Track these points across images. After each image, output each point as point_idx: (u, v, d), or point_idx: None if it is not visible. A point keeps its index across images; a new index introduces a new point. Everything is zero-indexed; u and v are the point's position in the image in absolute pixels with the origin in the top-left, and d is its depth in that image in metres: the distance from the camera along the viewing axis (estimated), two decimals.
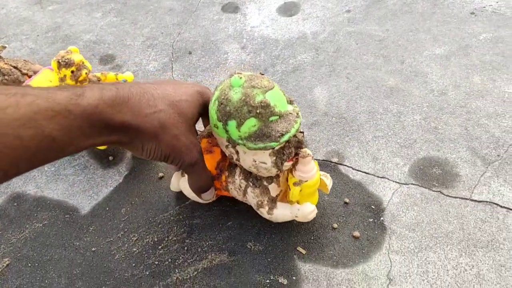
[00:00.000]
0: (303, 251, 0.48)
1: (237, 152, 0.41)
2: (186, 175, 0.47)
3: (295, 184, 0.43)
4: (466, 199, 0.51)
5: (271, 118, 0.38)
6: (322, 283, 0.45)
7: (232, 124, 0.38)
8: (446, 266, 0.45)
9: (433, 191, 0.52)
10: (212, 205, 0.54)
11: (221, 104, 0.38)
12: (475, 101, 0.63)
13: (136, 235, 0.52)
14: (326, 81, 0.71)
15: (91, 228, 0.53)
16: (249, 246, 0.49)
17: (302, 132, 0.42)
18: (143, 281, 0.47)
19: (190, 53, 0.82)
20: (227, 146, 0.42)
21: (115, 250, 0.50)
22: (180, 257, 0.49)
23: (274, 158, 0.40)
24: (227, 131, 0.39)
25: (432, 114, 0.63)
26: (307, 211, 0.45)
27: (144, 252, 0.50)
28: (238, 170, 0.46)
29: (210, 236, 0.51)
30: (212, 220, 0.52)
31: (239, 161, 0.42)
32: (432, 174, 0.54)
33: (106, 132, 0.35)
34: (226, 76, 0.73)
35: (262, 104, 0.37)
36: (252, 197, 0.45)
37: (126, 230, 0.52)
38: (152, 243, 0.51)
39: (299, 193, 0.44)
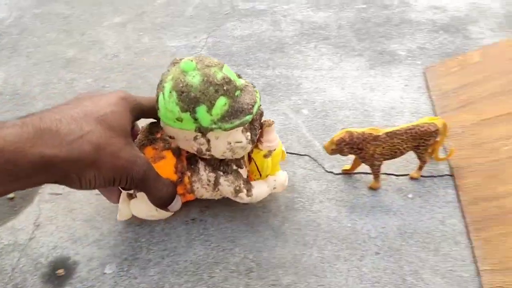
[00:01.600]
0: None
1: (208, 141, 0.38)
2: (135, 197, 0.43)
3: (265, 156, 0.42)
4: None
5: (236, 93, 0.36)
6: None
7: (201, 109, 0.35)
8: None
9: None
10: None
11: (182, 92, 0.34)
12: (147, 58, 0.70)
13: None
14: (6, 63, 0.70)
15: None
16: None
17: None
18: None
19: None
20: (195, 138, 0.38)
21: None
22: None
23: (248, 133, 0.38)
24: (196, 120, 0.35)
25: (102, 75, 0.67)
26: (283, 179, 0.45)
27: None
28: (201, 165, 0.42)
29: None
30: None
31: (210, 151, 0.39)
32: None
33: (21, 175, 0.30)
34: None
35: (226, 80, 0.35)
36: (227, 186, 0.42)
37: None
38: None
39: (270, 165, 0.43)
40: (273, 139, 0.41)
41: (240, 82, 0.37)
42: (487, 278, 0.40)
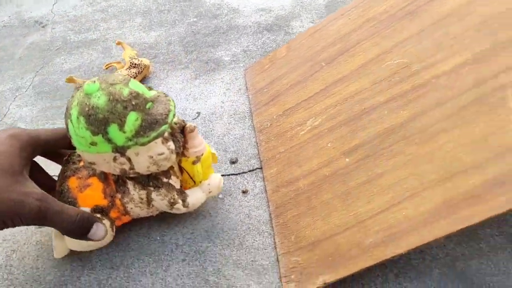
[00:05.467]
0: None
1: (129, 160, 0.37)
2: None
3: (194, 163, 0.42)
4: None
5: (147, 105, 0.35)
6: None
7: (113, 129, 0.34)
8: None
9: None
10: None
11: (90, 116, 0.33)
12: None
13: None
14: None
15: None
16: None
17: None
18: None
19: None
20: (115, 159, 0.36)
21: None
22: None
23: (170, 143, 0.38)
24: (110, 140, 0.35)
25: None
26: (217, 181, 0.45)
27: None
28: (130, 185, 0.41)
29: None
30: None
31: (133, 169, 0.38)
32: None
33: None
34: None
35: (133, 95, 0.34)
36: (160, 200, 0.41)
37: None
38: None
39: (202, 170, 0.43)
40: (199, 144, 0.41)
41: (150, 94, 0.37)
42: (283, 262, 0.42)
